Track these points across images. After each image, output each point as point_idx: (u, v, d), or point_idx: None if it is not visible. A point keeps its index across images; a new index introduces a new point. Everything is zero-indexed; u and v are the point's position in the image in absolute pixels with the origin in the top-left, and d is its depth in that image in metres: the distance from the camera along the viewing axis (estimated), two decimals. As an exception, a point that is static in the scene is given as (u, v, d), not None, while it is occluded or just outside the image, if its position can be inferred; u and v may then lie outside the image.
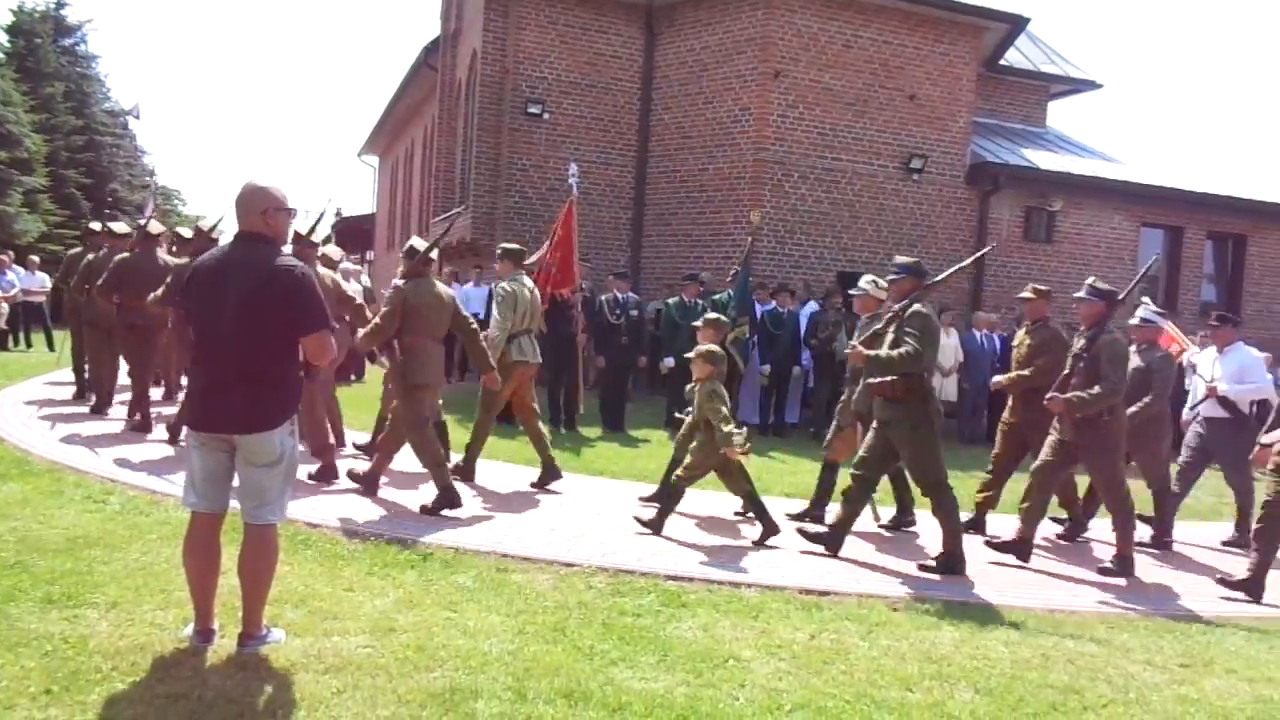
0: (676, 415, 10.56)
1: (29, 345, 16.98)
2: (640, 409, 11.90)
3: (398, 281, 6.60)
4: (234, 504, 3.83)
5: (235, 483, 3.81)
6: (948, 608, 5.06)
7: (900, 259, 6.30)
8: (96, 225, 11.14)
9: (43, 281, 17.27)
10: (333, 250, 8.41)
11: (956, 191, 15.16)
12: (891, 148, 14.64)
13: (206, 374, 3.72)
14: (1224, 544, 7.60)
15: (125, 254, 8.79)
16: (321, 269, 7.21)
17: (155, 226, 9.29)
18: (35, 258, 17.90)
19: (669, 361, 11.29)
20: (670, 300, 11.61)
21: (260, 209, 3.73)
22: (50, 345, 16.80)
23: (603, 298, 11.11)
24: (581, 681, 3.68)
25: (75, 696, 3.26)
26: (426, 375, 6.46)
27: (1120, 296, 6.36)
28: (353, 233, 34.98)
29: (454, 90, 18.10)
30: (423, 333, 6.46)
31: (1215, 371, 7.74)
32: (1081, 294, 6.38)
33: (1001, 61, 16.79)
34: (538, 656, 3.91)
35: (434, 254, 6.80)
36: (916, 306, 5.84)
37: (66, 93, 26.24)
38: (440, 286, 6.75)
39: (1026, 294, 7.36)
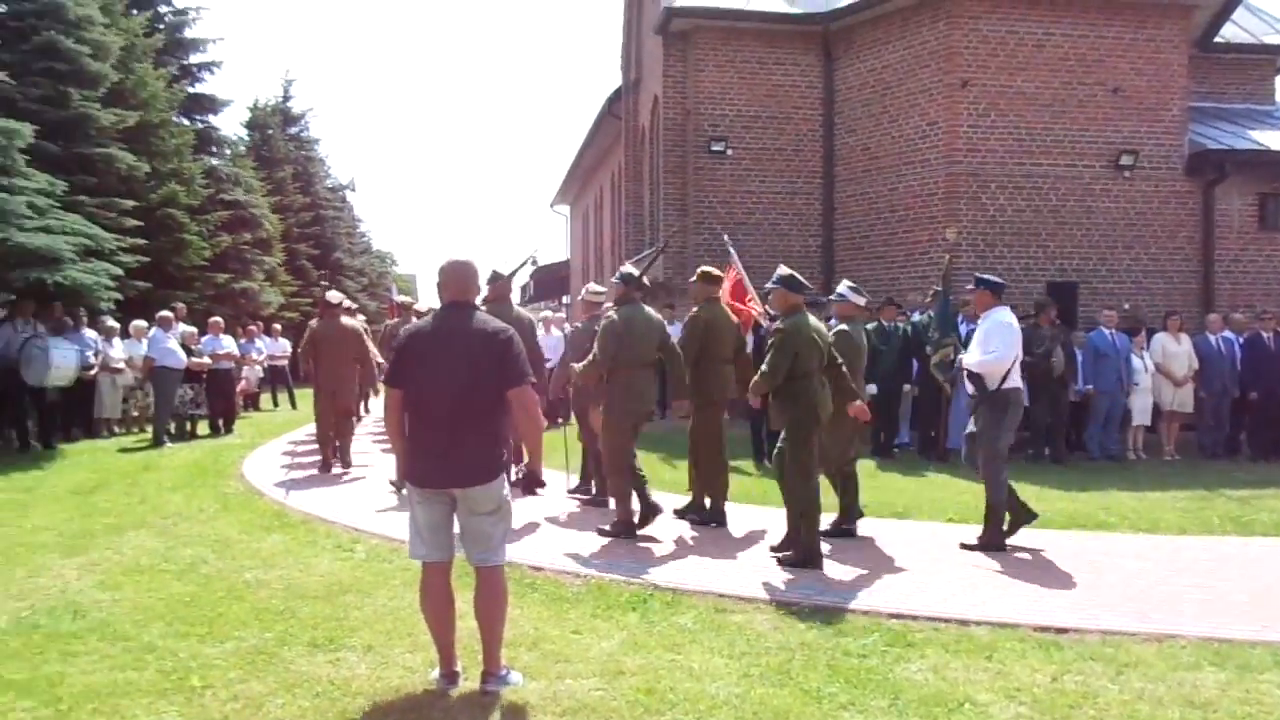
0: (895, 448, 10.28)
1: (275, 404, 18.69)
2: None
3: (610, 313, 6.90)
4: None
5: (456, 529, 4.06)
6: (1204, 645, 4.66)
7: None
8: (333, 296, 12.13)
9: (285, 347, 19.00)
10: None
11: (1175, 185, 14.08)
12: (1097, 146, 13.80)
13: (431, 433, 3.92)
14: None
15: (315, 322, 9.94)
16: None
17: (334, 296, 10.43)
18: (278, 326, 19.75)
19: (871, 388, 11.05)
20: (868, 325, 11.37)
21: (465, 282, 4.11)
22: (293, 404, 18.47)
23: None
24: (812, 725, 3.65)
25: (344, 737, 3.55)
26: (639, 403, 6.76)
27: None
28: (550, 280, 36.45)
29: (638, 136, 18.61)
30: (633, 361, 6.77)
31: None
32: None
33: (1217, 39, 15.50)
34: (765, 700, 3.91)
35: (645, 280, 7.05)
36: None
37: (294, 174, 28.87)
38: (651, 312, 7.01)
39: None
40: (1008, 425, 6.63)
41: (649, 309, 7.22)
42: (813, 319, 6.33)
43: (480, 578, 4.04)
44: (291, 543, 6.57)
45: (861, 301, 7.26)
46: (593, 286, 8.99)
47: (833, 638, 4.73)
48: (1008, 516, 6.66)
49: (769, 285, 6.63)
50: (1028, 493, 8.77)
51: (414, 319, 9.72)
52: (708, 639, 4.68)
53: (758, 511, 7.78)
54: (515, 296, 9.11)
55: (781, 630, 4.84)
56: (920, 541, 6.84)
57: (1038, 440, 11.21)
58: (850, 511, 7.08)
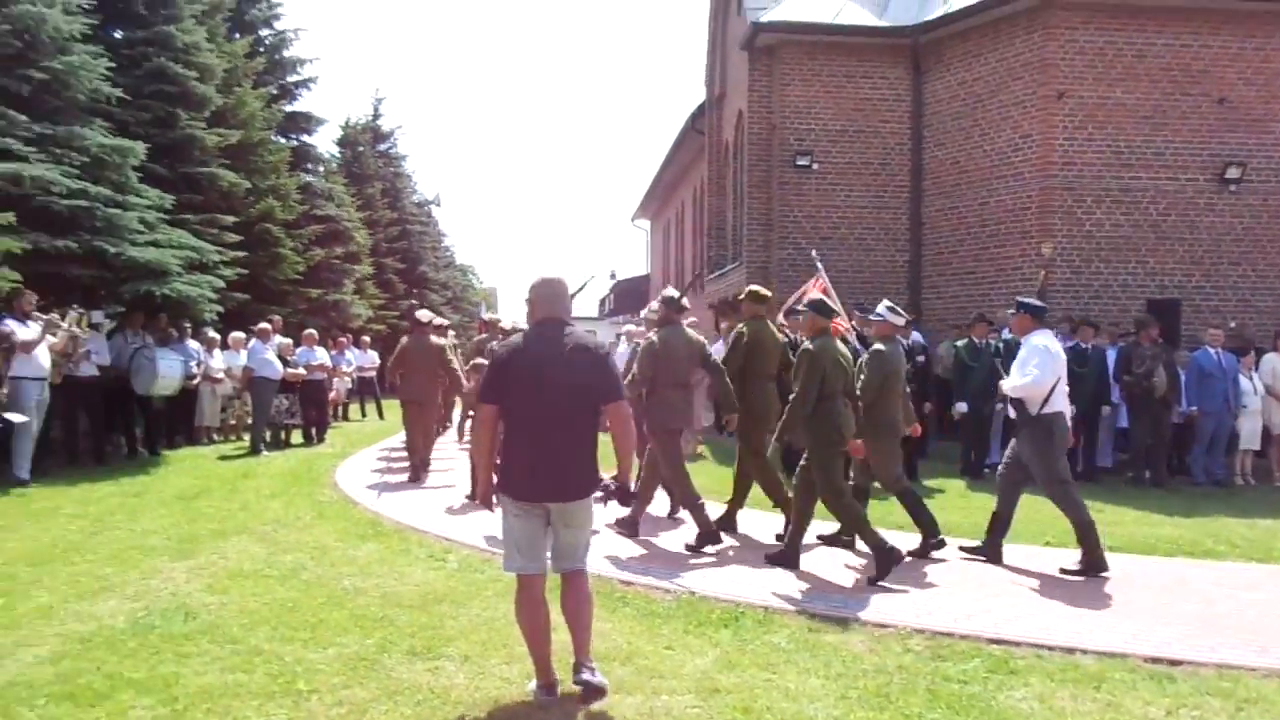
0: (986, 468, 10.05)
1: (364, 415, 19.15)
2: (938, 456, 11.45)
3: (650, 335, 7.21)
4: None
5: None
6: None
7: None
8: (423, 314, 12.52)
9: (373, 359, 19.47)
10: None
11: (1286, 198, 13.51)
12: (1201, 159, 13.32)
13: (534, 449, 3.97)
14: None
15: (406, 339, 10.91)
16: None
17: (424, 315, 11.25)
18: (366, 338, 20.25)
19: (962, 407, 10.85)
20: (959, 342, 11.16)
21: (561, 300, 4.18)
22: (380, 414, 18.89)
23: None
24: (915, 751, 3.58)
25: (446, 746, 3.59)
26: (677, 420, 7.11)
27: None
28: (630, 294, 36.69)
29: (721, 150, 18.63)
30: (669, 381, 7.13)
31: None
32: None
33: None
34: (865, 723, 3.85)
35: (685, 301, 7.27)
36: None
37: (383, 190, 29.64)
38: (691, 334, 7.22)
39: None
40: (1057, 447, 6.59)
41: (689, 330, 7.58)
42: (838, 343, 6.58)
43: (569, 582, 4.14)
44: (386, 551, 6.71)
45: (900, 322, 7.25)
46: (655, 305, 9.05)
47: (931, 661, 4.64)
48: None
49: (875, 314, 7.20)
50: (1127, 517, 8.55)
51: (500, 336, 9.93)
52: (802, 659, 4.62)
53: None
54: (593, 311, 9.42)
55: (877, 652, 4.76)
56: (1018, 565, 6.65)
57: (1138, 463, 10.84)
58: (930, 527, 6.93)
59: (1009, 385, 6.72)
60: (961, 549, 6.87)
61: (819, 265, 10.30)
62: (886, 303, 7.44)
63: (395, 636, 4.78)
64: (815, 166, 14.86)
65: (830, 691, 4.20)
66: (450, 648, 4.63)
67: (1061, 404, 6.58)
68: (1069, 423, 6.74)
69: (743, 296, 8.00)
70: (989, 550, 6.77)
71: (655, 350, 7.23)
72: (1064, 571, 6.43)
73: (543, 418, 3.97)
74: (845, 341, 10.11)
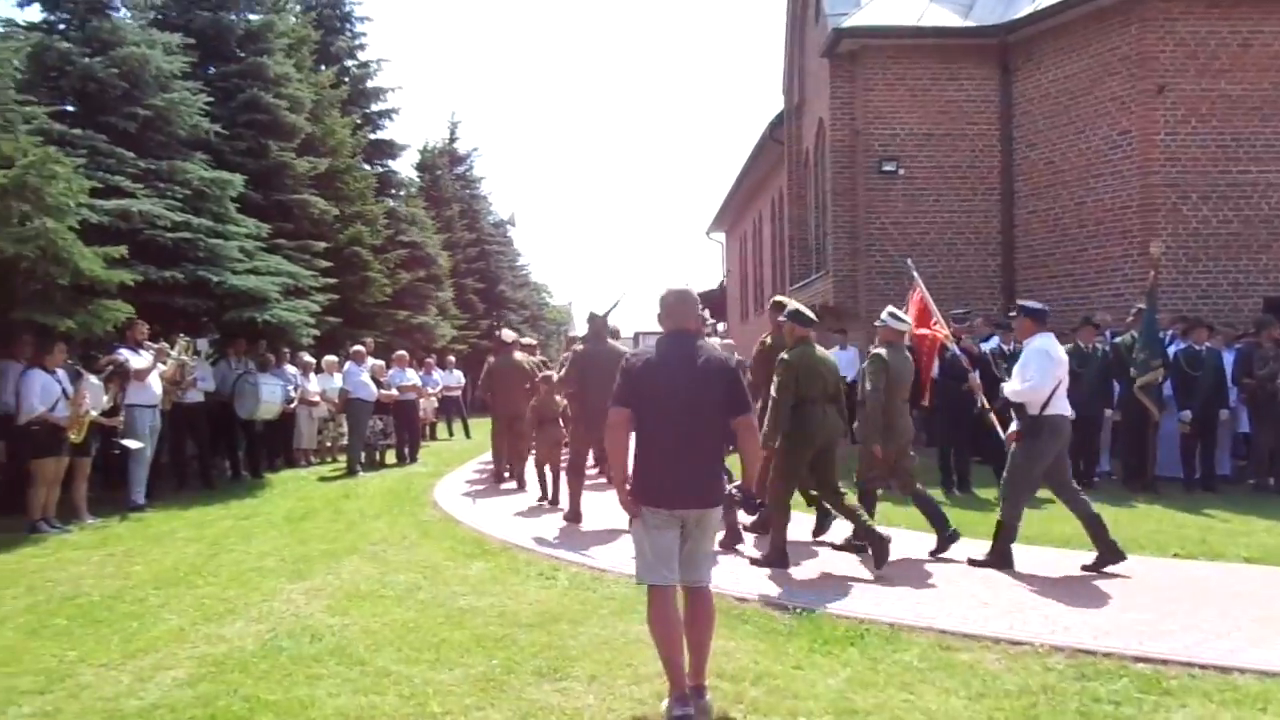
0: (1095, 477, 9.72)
1: (450, 434, 19.37)
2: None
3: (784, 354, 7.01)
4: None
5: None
6: None
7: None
8: (507, 334, 12.75)
9: (459, 379, 19.71)
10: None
11: None
12: (1315, 149, 12.69)
13: (671, 458, 4.00)
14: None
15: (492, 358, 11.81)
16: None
17: (507, 335, 12.39)
18: (451, 358, 20.52)
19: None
20: (1064, 347, 10.74)
21: (694, 311, 4.23)
22: (466, 433, 19.10)
23: (989, 350, 10.54)
24: (1080, 777, 3.39)
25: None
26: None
27: None
28: (703, 305, 36.51)
29: (801, 160, 18.44)
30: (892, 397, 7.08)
31: None
32: None
33: None
34: (1020, 747, 3.67)
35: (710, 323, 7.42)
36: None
37: (461, 212, 30.12)
38: (823, 352, 7.05)
39: None
40: (1043, 450, 6.62)
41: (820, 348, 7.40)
42: (820, 351, 6.84)
43: (697, 598, 4.11)
44: (496, 570, 6.70)
45: (903, 327, 7.36)
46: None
47: (1076, 681, 4.42)
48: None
49: (878, 321, 7.46)
50: (1256, 526, 8.12)
51: (577, 347, 9.96)
52: (939, 678, 4.45)
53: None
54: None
55: (1016, 671, 4.55)
56: (1148, 578, 6.35)
57: (1262, 469, 10.32)
58: (942, 530, 7.04)
59: (1008, 389, 6.85)
60: (1085, 568, 6.60)
61: (915, 275, 10.06)
62: (890, 309, 7.53)
63: (519, 656, 4.74)
64: (901, 172, 14.59)
65: (974, 713, 4.03)
66: (575, 668, 4.57)
67: (1062, 406, 6.64)
68: (1069, 424, 6.77)
69: (783, 316, 7.53)
70: (1104, 556, 6.59)
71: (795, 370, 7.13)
72: (972, 562, 6.72)
73: (676, 427, 4.00)
74: (945, 350, 9.94)
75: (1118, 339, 10.62)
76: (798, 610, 5.55)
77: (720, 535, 6.96)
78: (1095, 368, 10.42)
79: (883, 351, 7.11)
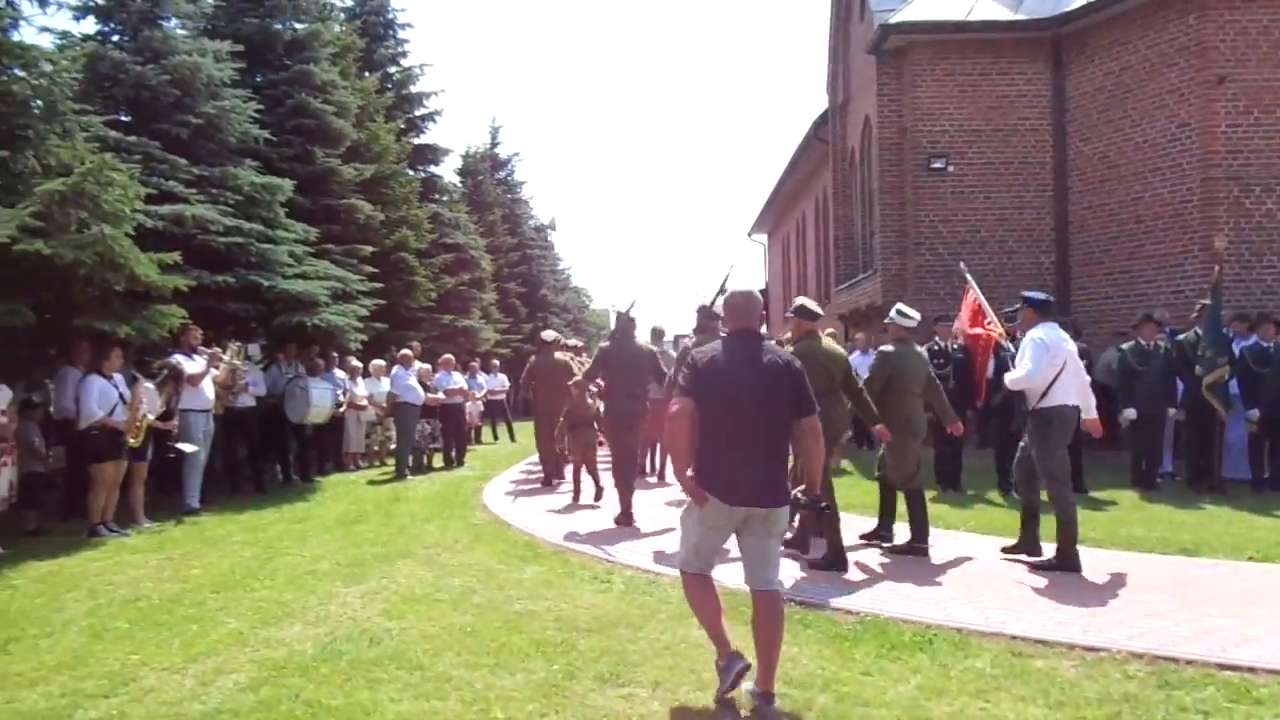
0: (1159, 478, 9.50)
1: (495, 437, 19.40)
2: (1096, 466, 10.78)
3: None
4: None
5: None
6: None
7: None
8: (548, 334, 12.82)
9: (503, 382, 19.73)
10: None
11: None
12: (1384, 139, 12.28)
13: (741, 454, 4.01)
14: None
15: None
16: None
17: (548, 335, 12.75)
18: (496, 361, 20.55)
19: (1130, 413, 10.19)
20: (1125, 345, 10.50)
21: (758, 312, 4.33)
22: (511, 436, 19.11)
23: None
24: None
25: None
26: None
27: None
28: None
29: (847, 158, 18.23)
30: (903, 391, 7.19)
31: None
32: None
33: None
34: (1108, 759, 3.51)
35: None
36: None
37: (503, 217, 30.22)
38: (829, 345, 7.04)
39: None
40: (1056, 441, 6.60)
41: (829, 341, 7.44)
42: (826, 343, 6.91)
43: (767, 601, 4.10)
44: (549, 574, 6.63)
45: (910, 324, 7.43)
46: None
47: (1159, 690, 4.25)
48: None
49: (887, 318, 7.69)
50: None
51: (602, 344, 10.52)
52: (1014, 686, 4.30)
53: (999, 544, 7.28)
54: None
55: (1095, 679, 4.39)
56: (1225, 582, 6.13)
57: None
58: (920, 532, 7.15)
59: (1008, 379, 6.95)
60: (1038, 566, 6.61)
61: (968, 277, 9.87)
62: (898, 307, 7.65)
63: (579, 662, 4.66)
64: (950, 169, 14.35)
65: (1056, 723, 3.88)
66: (638, 674, 4.49)
67: (1064, 397, 6.57)
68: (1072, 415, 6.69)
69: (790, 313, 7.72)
70: (1022, 545, 6.83)
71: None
72: (1014, 558, 6.77)
73: (747, 424, 4.03)
74: (1000, 349, 9.72)
75: (1180, 336, 10.32)
76: (861, 615, 5.42)
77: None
78: (1158, 366, 10.13)
79: (888, 348, 7.31)
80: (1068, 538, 6.49)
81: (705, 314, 8.32)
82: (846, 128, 18.26)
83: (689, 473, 4.06)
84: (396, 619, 5.48)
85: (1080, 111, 14.01)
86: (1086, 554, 7.00)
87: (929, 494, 9.56)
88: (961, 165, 14.39)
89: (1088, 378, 6.98)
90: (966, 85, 14.37)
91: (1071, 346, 6.75)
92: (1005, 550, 6.91)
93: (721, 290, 8.57)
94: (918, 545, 7.07)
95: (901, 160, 14.73)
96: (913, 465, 7.24)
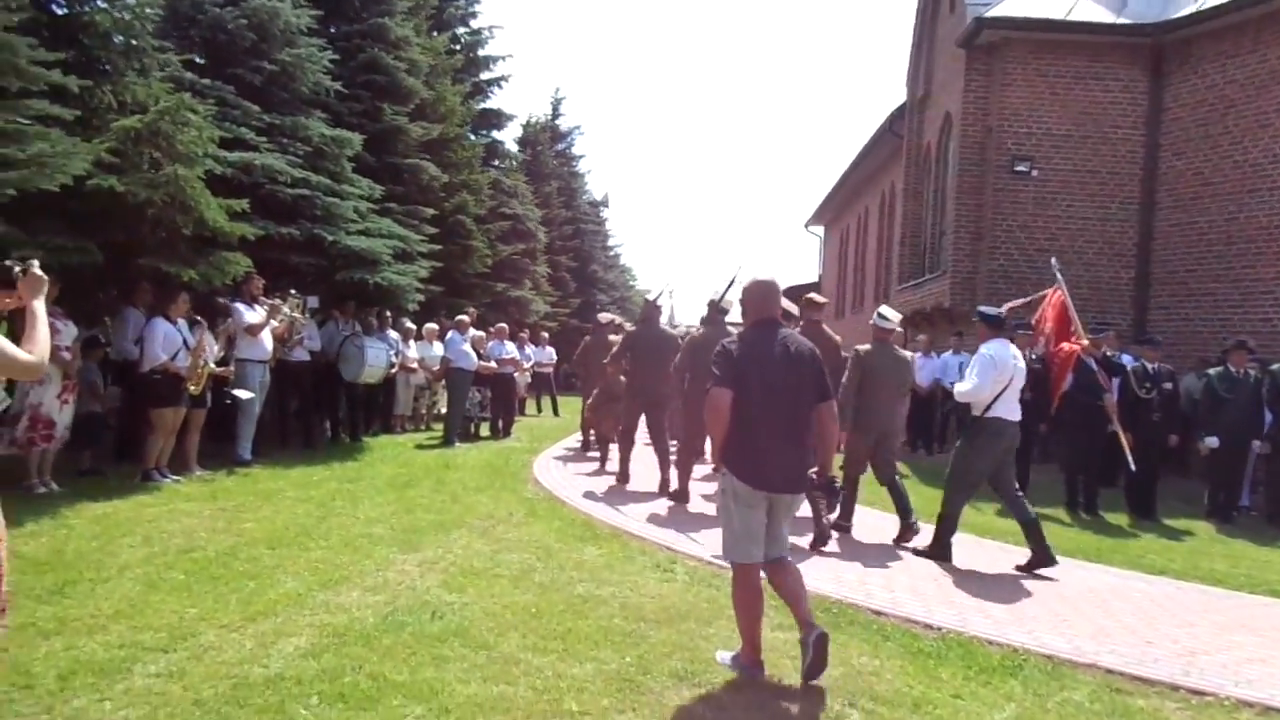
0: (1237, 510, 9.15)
1: (539, 410, 19.24)
2: (1167, 493, 10.35)
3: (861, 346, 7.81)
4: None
5: None
6: None
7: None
8: (604, 316, 12.75)
9: (550, 355, 19.53)
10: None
11: None
12: None
13: (775, 441, 4.17)
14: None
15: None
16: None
17: (604, 317, 13.18)
18: (545, 334, 20.36)
19: (1213, 442, 9.74)
20: (1212, 370, 10.04)
21: (777, 301, 4.49)
22: (555, 411, 18.94)
23: (1130, 368, 9.86)
24: None
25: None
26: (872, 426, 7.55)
27: None
28: (796, 299, 35.84)
29: (922, 154, 17.74)
30: (873, 391, 7.57)
31: None
32: None
33: None
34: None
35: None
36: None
37: (559, 189, 29.98)
38: (900, 351, 7.82)
39: None
40: (981, 450, 6.85)
41: (897, 347, 7.93)
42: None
43: (781, 566, 4.34)
44: (610, 557, 6.41)
45: (889, 326, 7.70)
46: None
47: (1277, 745, 3.93)
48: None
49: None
50: None
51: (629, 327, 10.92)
52: (1119, 727, 4.00)
53: (1087, 568, 6.95)
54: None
55: (1205, 726, 4.08)
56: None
57: None
58: (905, 518, 7.46)
59: (956, 390, 7.16)
60: (1018, 568, 6.83)
61: (1059, 275, 9.48)
62: (881, 309, 7.97)
63: (651, 655, 4.43)
64: (1034, 173, 13.86)
65: (1171, 772, 3.58)
66: (713, 673, 4.25)
67: (1003, 410, 6.78)
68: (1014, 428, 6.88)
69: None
70: (1037, 558, 6.77)
71: (862, 365, 7.67)
72: (917, 552, 7.09)
73: (779, 413, 4.18)
74: (1081, 363, 9.34)
75: (1274, 366, 9.83)
76: (944, 632, 5.14)
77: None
78: (1246, 395, 9.67)
79: (863, 348, 7.69)
80: (945, 530, 6.97)
81: (714, 308, 8.88)
82: (924, 123, 17.75)
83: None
84: (457, 592, 5.29)
85: (1177, 124, 13.44)
86: (1169, 585, 6.72)
87: (995, 506, 9.34)
88: (1046, 170, 13.89)
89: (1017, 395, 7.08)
90: (1059, 88, 13.84)
91: (1021, 365, 6.92)
92: (1019, 568, 6.83)
93: (730, 284, 8.94)
94: (908, 525, 7.41)
95: (983, 160, 14.25)
96: (860, 463, 7.72)
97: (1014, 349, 7.02)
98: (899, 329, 8.12)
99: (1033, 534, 6.74)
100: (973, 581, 6.42)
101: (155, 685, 3.78)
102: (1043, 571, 6.72)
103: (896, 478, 7.63)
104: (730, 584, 4.44)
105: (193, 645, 4.21)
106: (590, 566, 6.12)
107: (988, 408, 6.77)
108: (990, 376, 6.72)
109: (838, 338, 8.87)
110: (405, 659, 4.18)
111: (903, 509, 7.47)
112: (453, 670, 4.08)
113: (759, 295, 4.40)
